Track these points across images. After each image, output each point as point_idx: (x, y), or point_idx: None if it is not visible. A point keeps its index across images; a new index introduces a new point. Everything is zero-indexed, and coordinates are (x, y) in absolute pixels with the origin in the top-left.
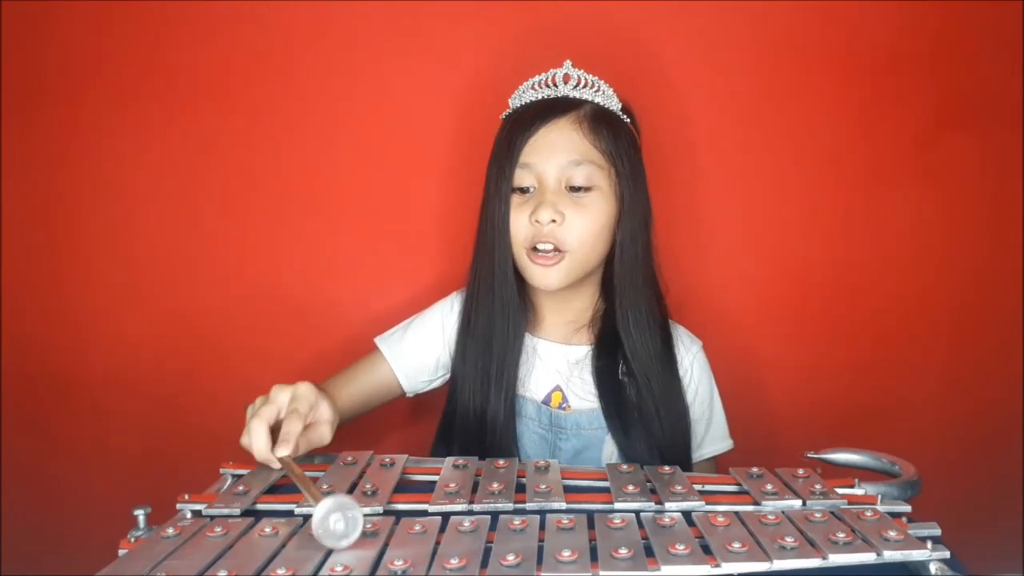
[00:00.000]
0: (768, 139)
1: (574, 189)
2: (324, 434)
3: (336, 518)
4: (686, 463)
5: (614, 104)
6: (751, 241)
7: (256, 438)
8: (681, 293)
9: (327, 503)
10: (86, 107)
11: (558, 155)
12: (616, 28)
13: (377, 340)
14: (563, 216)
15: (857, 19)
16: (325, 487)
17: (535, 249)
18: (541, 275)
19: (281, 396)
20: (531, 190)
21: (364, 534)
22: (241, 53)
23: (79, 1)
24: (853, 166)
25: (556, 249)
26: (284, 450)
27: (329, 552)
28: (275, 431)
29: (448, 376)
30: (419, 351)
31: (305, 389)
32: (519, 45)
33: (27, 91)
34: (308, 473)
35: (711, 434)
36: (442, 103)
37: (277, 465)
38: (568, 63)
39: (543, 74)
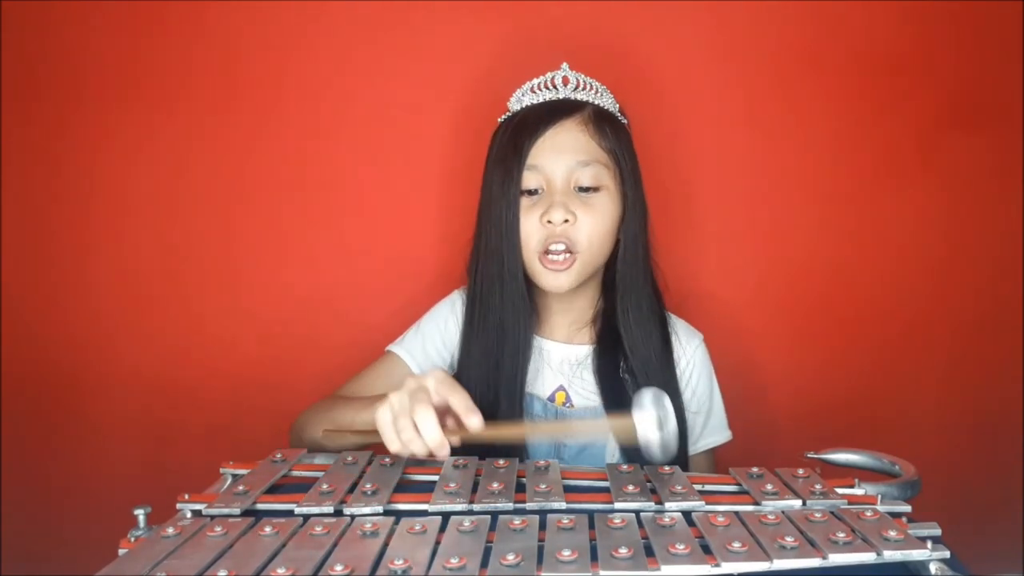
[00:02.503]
0: (770, 140)
1: (582, 190)
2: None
3: (661, 407)
4: (683, 462)
5: (612, 105)
6: (752, 241)
7: (428, 425)
8: (683, 293)
9: (646, 399)
10: (85, 107)
11: (566, 156)
12: (614, 28)
13: (392, 347)
14: (575, 216)
15: (858, 20)
16: (325, 487)
17: (546, 252)
18: (553, 278)
19: (426, 382)
20: (539, 192)
21: (364, 534)
22: (239, 55)
23: (77, 1)
24: (854, 166)
25: (568, 250)
26: (476, 419)
27: (329, 552)
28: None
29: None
30: (435, 351)
31: (442, 372)
32: (513, 47)
33: (25, 91)
34: (307, 474)
35: (710, 426)
36: (437, 104)
37: (446, 452)
38: (565, 65)
39: (541, 77)
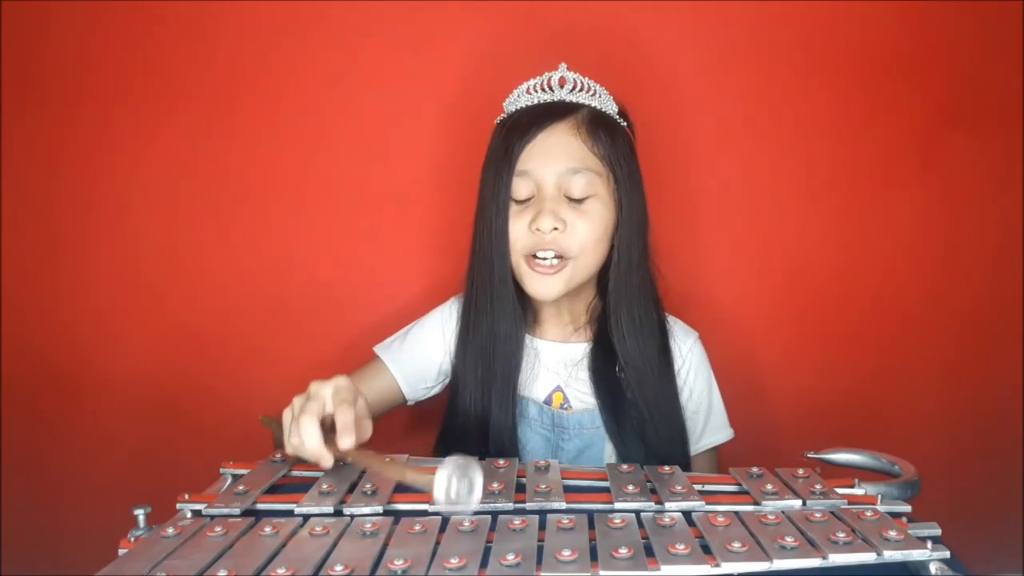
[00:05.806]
0: (769, 140)
1: (573, 199)
2: (367, 428)
3: (456, 483)
4: (682, 465)
5: (611, 107)
6: (752, 242)
7: (308, 435)
8: (682, 295)
9: (445, 470)
10: (86, 107)
11: (556, 162)
12: (613, 28)
13: (377, 349)
14: (564, 223)
15: (858, 20)
16: (325, 487)
17: (534, 256)
18: (540, 284)
19: (324, 391)
20: (530, 198)
21: (364, 534)
22: (239, 56)
23: (78, 1)
24: (854, 167)
25: (558, 256)
26: (348, 440)
27: (329, 552)
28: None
29: (447, 382)
30: (420, 358)
31: (345, 382)
32: (512, 47)
33: (26, 92)
34: (307, 474)
35: (711, 424)
36: (435, 107)
37: (329, 463)
38: (563, 66)
39: (538, 78)
